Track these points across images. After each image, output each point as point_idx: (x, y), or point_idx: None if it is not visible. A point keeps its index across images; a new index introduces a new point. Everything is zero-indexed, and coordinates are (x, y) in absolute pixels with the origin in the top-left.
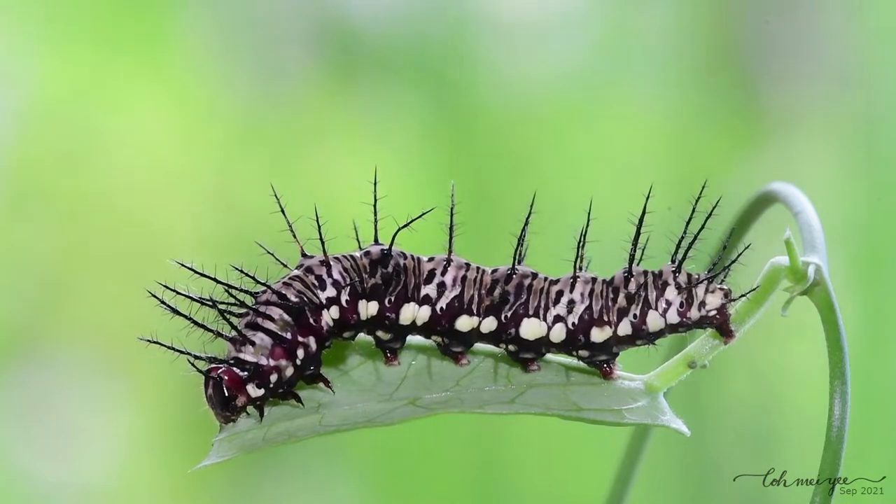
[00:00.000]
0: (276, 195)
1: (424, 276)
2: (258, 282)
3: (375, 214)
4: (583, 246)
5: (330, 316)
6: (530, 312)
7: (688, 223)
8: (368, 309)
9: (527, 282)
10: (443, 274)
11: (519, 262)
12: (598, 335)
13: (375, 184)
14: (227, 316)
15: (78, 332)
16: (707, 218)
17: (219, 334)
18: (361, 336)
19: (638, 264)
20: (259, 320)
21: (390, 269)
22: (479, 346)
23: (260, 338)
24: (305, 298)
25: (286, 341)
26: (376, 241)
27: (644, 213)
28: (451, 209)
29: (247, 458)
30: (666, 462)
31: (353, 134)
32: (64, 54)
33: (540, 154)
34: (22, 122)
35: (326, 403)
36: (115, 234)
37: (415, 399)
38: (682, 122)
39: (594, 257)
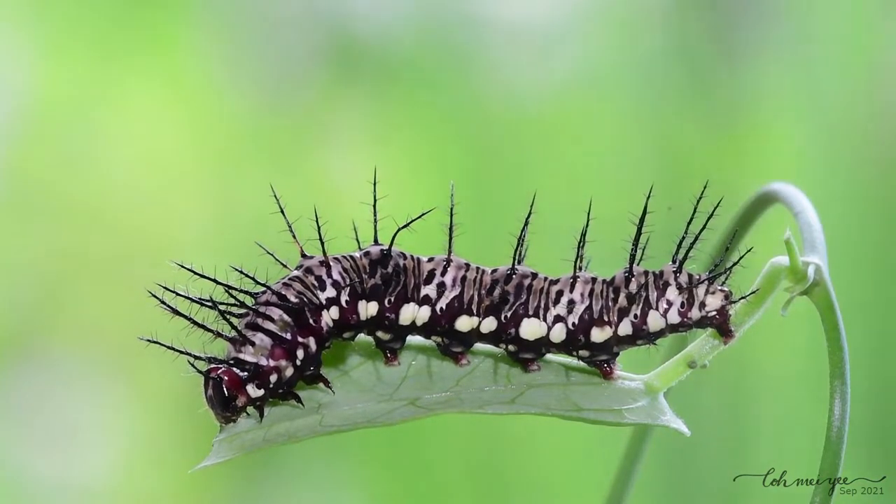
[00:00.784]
0: (275, 196)
1: (424, 276)
2: (258, 282)
3: (375, 215)
4: (583, 246)
5: (330, 316)
6: (530, 312)
7: (689, 223)
8: (368, 309)
9: (527, 282)
10: (442, 274)
11: (519, 262)
12: (599, 335)
13: (375, 184)
14: (227, 316)
15: (78, 333)
16: (708, 218)
17: (219, 335)
18: (361, 336)
19: (638, 264)
20: (259, 321)
21: (390, 269)
22: (479, 346)
23: (260, 338)
24: (305, 299)
25: (286, 342)
26: (376, 242)
27: (645, 212)
28: (451, 209)
29: (247, 459)
30: (666, 462)
31: (353, 135)
32: (66, 56)
33: (540, 154)
34: (23, 123)
35: (326, 404)
36: (115, 234)
37: (415, 399)
38: (681, 122)
39: (594, 257)
